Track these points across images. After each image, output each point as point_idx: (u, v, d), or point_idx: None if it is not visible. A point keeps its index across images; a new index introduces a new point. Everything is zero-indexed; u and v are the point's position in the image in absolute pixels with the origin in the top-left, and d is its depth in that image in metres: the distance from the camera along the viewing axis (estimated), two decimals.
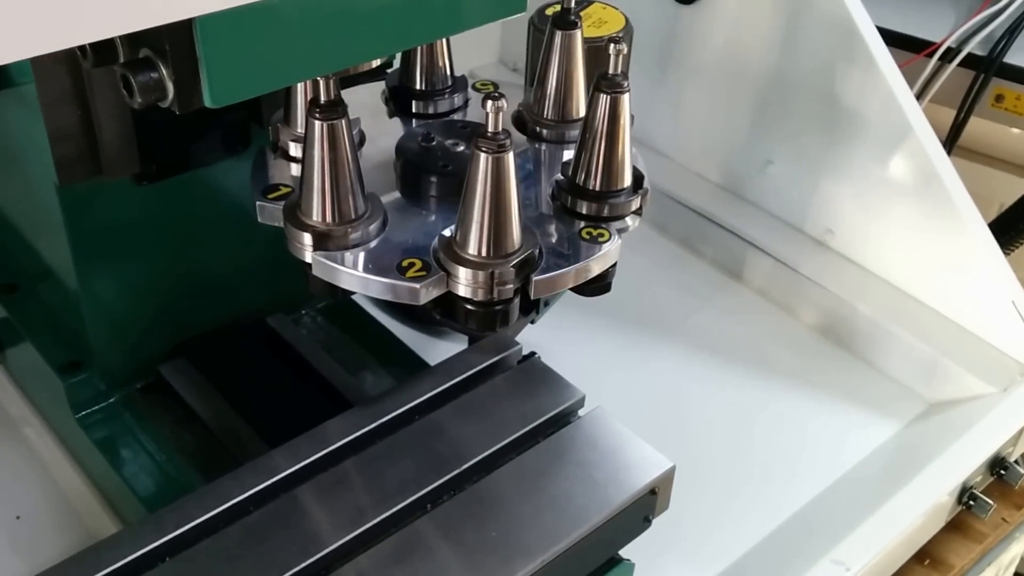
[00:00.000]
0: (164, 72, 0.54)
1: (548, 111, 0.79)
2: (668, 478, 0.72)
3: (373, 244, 0.68)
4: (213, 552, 0.65)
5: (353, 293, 0.70)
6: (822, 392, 1.04)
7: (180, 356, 0.87)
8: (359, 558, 0.65)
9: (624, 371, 1.03)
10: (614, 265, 0.75)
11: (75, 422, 0.82)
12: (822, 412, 1.02)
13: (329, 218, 0.67)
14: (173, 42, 0.52)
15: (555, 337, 0.97)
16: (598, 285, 0.75)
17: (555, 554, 0.66)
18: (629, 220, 0.73)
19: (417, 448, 0.72)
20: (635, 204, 0.72)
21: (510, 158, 0.63)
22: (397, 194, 0.74)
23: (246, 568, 0.63)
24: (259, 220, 0.71)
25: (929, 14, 1.45)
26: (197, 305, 0.86)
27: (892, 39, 1.04)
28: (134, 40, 0.54)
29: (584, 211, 0.72)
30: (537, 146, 0.80)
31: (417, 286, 0.65)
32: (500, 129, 0.62)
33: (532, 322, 0.91)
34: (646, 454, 0.73)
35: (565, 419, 0.76)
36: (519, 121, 0.81)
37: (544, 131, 0.79)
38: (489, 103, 0.61)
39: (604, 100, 0.69)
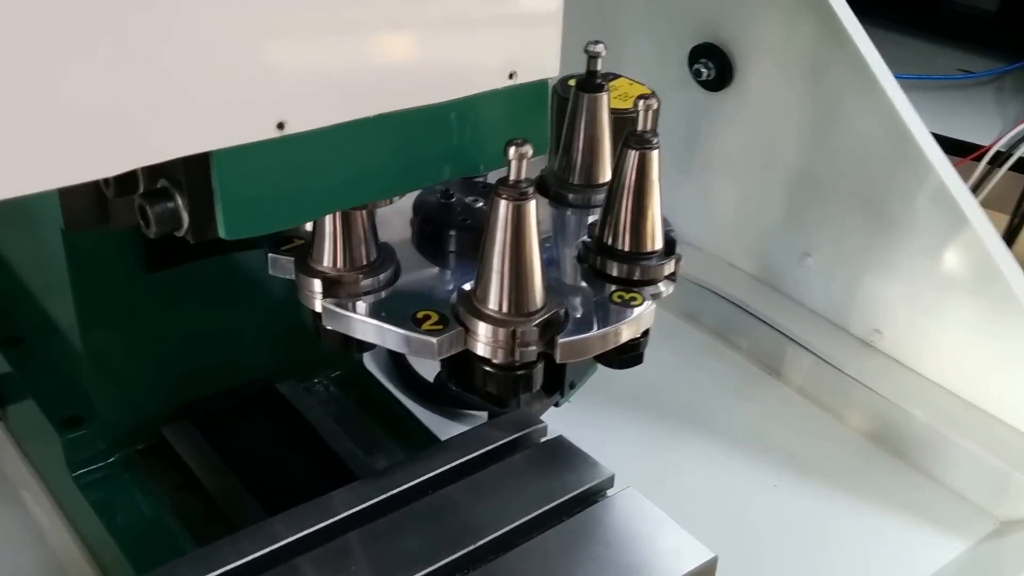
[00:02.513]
0: (180, 203, 0.54)
1: (574, 176, 0.76)
2: (709, 570, 0.66)
3: (385, 294, 0.64)
4: None
5: (368, 349, 0.66)
6: (874, 504, 0.95)
7: (184, 418, 0.83)
8: None
9: (654, 465, 0.96)
10: (647, 333, 0.70)
11: (72, 481, 0.78)
12: (876, 527, 0.92)
13: (340, 264, 0.64)
14: (190, 174, 0.53)
15: (581, 425, 0.91)
16: (629, 356, 0.70)
17: None
18: (662, 286, 0.68)
19: (427, 523, 0.66)
20: (668, 268, 0.68)
21: (532, 207, 0.59)
22: (414, 251, 0.70)
23: None
24: (270, 272, 0.68)
25: (973, 119, 1.43)
26: (204, 367, 0.83)
27: (939, 143, 1.01)
28: (153, 171, 0.55)
29: (615, 273, 0.68)
30: (562, 212, 0.76)
31: (433, 340, 0.61)
32: (522, 177, 0.59)
33: (557, 404, 0.86)
34: (684, 541, 0.66)
35: (592, 499, 0.70)
36: (541, 187, 0.78)
37: (570, 195, 0.76)
38: (512, 149, 0.58)
39: (633, 157, 0.65)
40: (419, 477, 0.70)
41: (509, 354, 0.61)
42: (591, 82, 0.74)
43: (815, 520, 0.93)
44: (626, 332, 0.64)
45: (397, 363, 1.08)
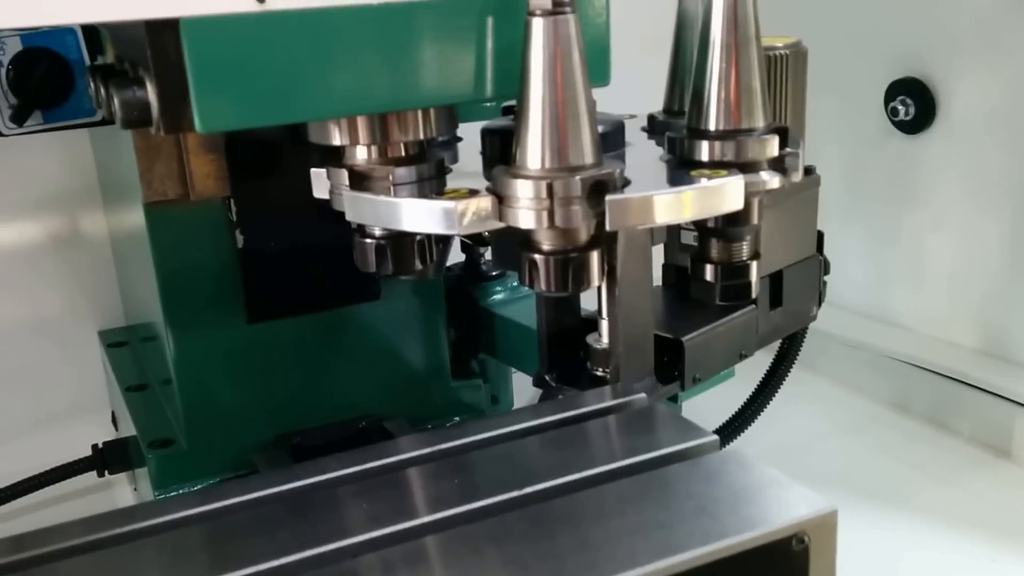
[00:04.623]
0: (149, 89, 0.49)
1: (686, 102, 0.65)
2: (828, 525, 0.47)
3: (418, 186, 0.55)
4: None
5: (409, 271, 0.57)
6: None
7: (279, 448, 0.74)
8: (387, 551, 0.46)
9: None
10: (757, 256, 0.56)
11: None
12: None
13: (374, 155, 0.55)
14: (157, 53, 0.47)
15: None
16: (732, 284, 0.56)
17: None
18: (766, 176, 0.54)
19: (486, 467, 0.53)
20: (772, 148, 0.54)
21: (572, 23, 0.48)
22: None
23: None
24: (315, 194, 0.60)
25: None
26: (306, 403, 0.75)
27: None
28: (131, 62, 0.52)
29: (703, 157, 0.54)
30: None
31: (453, 205, 0.50)
32: None
33: (675, 399, 0.69)
34: (796, 494, 0.49)
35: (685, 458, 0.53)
36: (650, 126, 0.67)
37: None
38: None
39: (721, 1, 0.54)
40: (487, 432, 0.56)
41: (550, 216, 0.49)
42: None
43: None
44: (699, 203, 0.50)
45: None
